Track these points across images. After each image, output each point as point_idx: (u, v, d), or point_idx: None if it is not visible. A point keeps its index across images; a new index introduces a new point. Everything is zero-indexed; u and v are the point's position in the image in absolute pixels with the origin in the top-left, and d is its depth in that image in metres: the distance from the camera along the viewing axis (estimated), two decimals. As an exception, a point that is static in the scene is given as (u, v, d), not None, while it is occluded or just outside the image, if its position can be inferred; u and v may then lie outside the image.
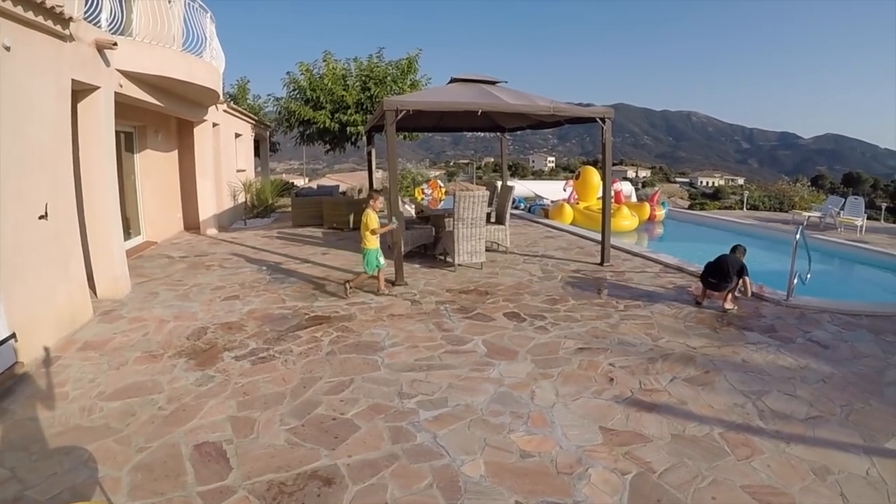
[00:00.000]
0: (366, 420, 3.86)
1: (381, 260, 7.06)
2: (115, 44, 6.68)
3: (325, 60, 15.72)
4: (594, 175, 15.13)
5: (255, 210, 14.98)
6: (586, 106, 9.97)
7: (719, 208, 20.76)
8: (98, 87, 6.58)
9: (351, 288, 7.10)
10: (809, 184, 22.17)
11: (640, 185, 38.17)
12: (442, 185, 15.03)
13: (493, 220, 9.87)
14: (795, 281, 6.70)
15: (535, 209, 15.94)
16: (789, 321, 6.14)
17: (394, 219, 7.24)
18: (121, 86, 7.41)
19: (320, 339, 5.44)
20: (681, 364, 4.95)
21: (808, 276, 6.97)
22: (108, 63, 6.83)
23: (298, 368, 4.74)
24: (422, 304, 6.73)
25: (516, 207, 16.67)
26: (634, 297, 7.08)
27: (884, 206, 16.85)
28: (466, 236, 8.29)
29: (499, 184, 11.05)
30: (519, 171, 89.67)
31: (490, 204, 10.55)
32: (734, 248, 6.64)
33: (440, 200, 10.44)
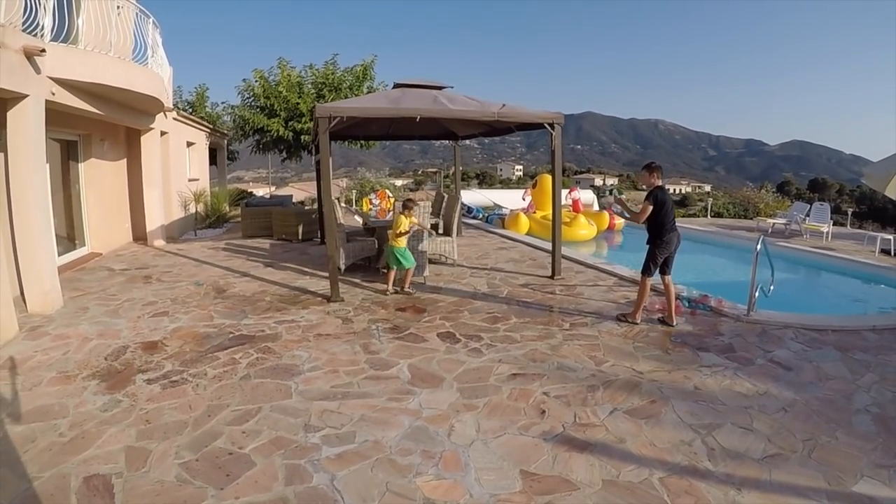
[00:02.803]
0: (264, 456, 3.59)
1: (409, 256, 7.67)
2: (44, 50, 6.44)
3: (280, 67, 15.87)
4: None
5: (208, 220, 15.00)
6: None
7: (683, 216, 20.84)
8: (27, 95, 6.44)
9: (407, 287, 7.66)
10: (775, 190, 22.47)
11: (607, 192, 38.41)
12: (391, 195, 14.53)
13: (440, 231, 9.57)
14: (757, 294, 6.41)
15: (493, 219, 15.65)
16: (749, 339, 5.82)
17: (411, 220, 7.61)
18: (53, 94, 7.22)
19: (238, 362, 5.20)
20: (624, 392, 4.53)
21: (772, 287, 6.71)
22: (38, 70, 6.66)
23: (208, 394, 4.51)
24: (353, 322, 6.42)
25: (474, 217, 16.41)
26: (583, 313, 6.70)
27: (850, 211, 17.10)
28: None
29: (446, 194, 10.62)
30: (487, 180, 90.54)
31: (438, 214, 10.16)
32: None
33: (389, 211, 10.06)
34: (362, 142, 16.49)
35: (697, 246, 12.47)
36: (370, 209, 10.64)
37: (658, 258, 6.09)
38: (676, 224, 6.13)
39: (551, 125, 8.10)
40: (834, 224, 14.21)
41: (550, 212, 14.59)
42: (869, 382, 4.87)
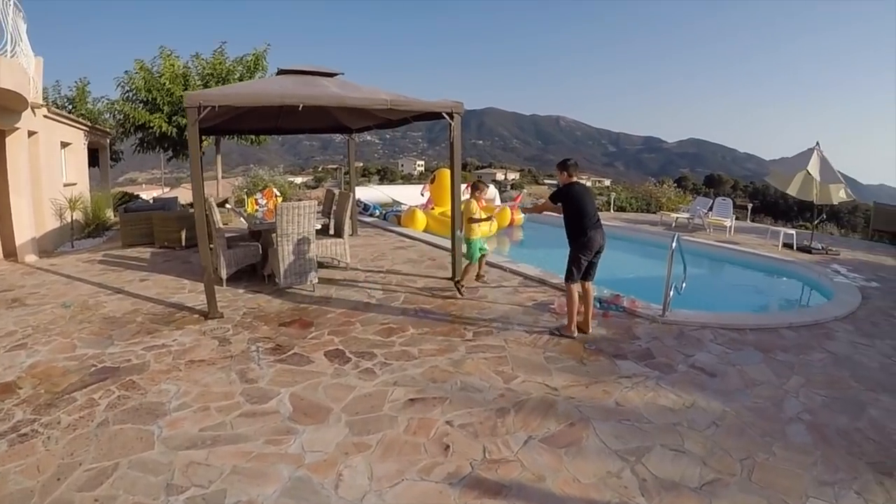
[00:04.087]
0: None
1: (486, 245, 7.72)
2: None
3: (162, 57, 15.31)
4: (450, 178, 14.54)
5: (87, 229, 13.71)
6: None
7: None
8: None
9: (464, 287, 7.48)
10: (675, 185, 23.42)
11: (508, 187, 38.86)
12: (278, 193, 13.45)
13: (331, 231, 8.91)
14: (672, 293, 6.19)
15: (390, 216, 14.99)
16: (667, 342, 5.57)
17: (469, 209, 7.45)
18: None
19: (97, 403, 4.42)
20: (539, 415, 4.06)
21: (684, 284, 6.54)
22: None
23: (60, 450, 3.78)
24: (231, 343, 5.65)
25: (371, 214, 15.69)
26: (487, 319, 6.23)
27: (750, 206, 17.99)
28: (292, 254, 7.27)
29: (336, 191, 9.83)
30: (388, 175, 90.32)
31: (329, 214, 9.43)
32: None
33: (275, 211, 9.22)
34: (253, 137, 16.29)
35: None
36: (256, 210, 9.66)
37: (581, 261, 5.67)
38: (599, 221, 5.76)
39: (450, 115, 7.59)
40: (735, 219, 14.77)
41: (448, 207, 14.26)
42: (796, 386, 4.73)
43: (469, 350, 5.30)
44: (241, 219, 10.90)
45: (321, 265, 8.63)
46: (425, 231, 13.20)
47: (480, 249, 7.53)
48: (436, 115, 7.99)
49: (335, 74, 8.25)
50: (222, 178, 18.08)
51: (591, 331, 5.80)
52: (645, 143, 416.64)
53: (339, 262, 8.73)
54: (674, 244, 6.01)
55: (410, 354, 5.22)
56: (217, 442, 3.78)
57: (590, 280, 5.84)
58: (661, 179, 23.21)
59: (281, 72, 8.44)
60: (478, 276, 7.85)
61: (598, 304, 6.63)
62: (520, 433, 3.81)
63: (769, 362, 5.20)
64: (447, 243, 10.53)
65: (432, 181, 15.11)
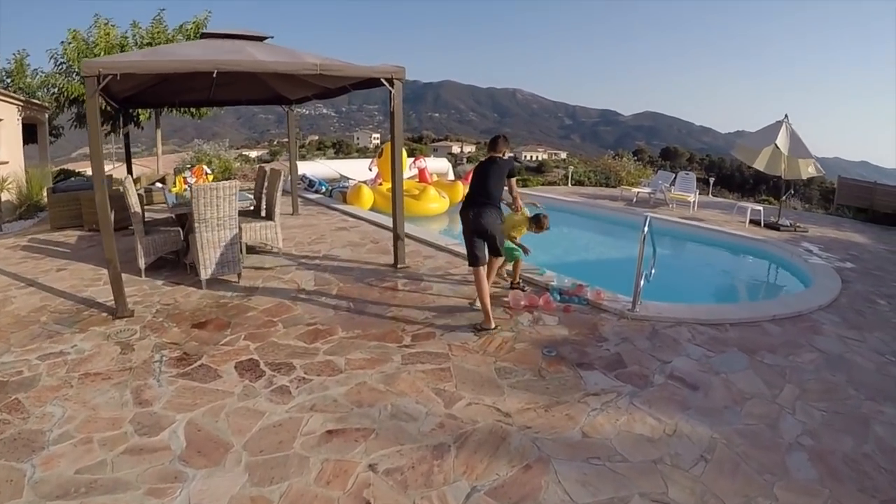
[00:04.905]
0: None
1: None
2: None
3: (97, 26, 14.63)
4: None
5: (19, 210, 12.95)
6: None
7: (543, 184, 20.39)
8: None
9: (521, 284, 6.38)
10: (635, 158, 22.84)
11: (464, 160, 37.92)
12: (209, 171, 12.22)
13: (263, 214, 7.98)
14: (642, 283, 5.43)
15: (335, 192, 13.89)
16: (640, 344, 4.81)
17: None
18: None
19: None
20: (486, 453, 3.21)
21: (653, 271, 5.79)
22: None
23: None
24: (135, 350, 4.72)
25: (317, 191, 14.53)
26: (431, 317, 5.37)
27: (711, 179, 17.55)
28: (213, 242, 6.31)
29: (268, 168, 8.72)
30: (343, 149, 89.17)
31: (260, 194, 8.44)
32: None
33: None
34: (193, 110, 15.93)
35: (563, 218, 11.69)
36: (185, 189, 8.55)
37: (467, 240, 5.33)
38: (484, 200, 5.25)
39: (389, 81, 6.63)
40: (698, 193, 14.23)
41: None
42: (790, 398, 4.05)
43: (405, 360, 4.41)
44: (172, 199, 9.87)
45: (252, 251, 7.67)
46: (372, 209, 12.19)
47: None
48: (375, 83, 7.06)
49: (263, 38, 7.25)
50: (170, 153, 16.95)
51: (494, 327, 5.11)
52: (601, 115, 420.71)
53: (271, 247, 7.76)
54: (646, 228, 5.23)
55: (335, 367, 4.31)
56: (92, 490, 2.99)
57: (494, 256, 5.51)
58: (619, 153, 22.51)
59: (203, 36, 7.54)
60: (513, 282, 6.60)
61: (557, 296, 5.84)
62: (461, 482, 2.96)
63: (757, 367, 4.50)
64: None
65: (380, 155, 14.06)
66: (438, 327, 5.10)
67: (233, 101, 12.11)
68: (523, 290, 6.16)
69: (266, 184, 8.19)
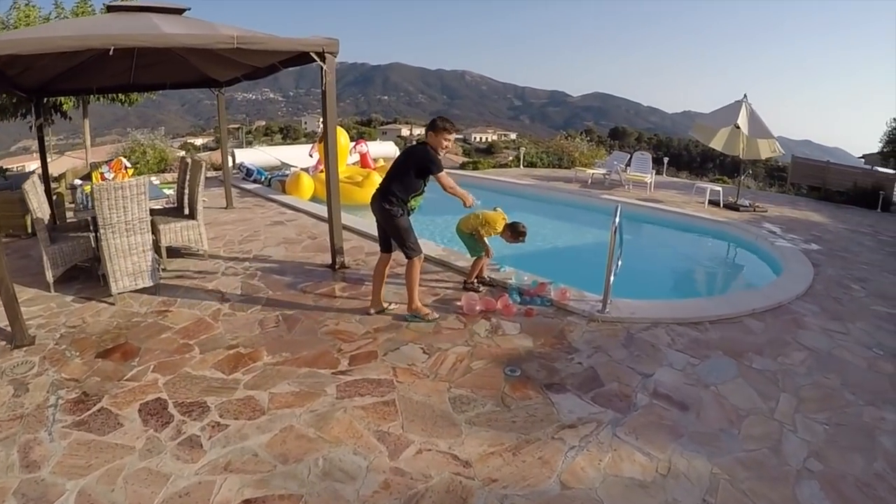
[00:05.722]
0: None
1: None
2: None
3: (15, 8, 13.45)
4: (341, 135, 12.56)
5: None
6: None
7: (493, 166, 19.71)
8: None
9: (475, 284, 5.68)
10: (588, 138, 22.37)
11: (413, 142, 37.14)
12: (128, 165, 11.01)
13: (187, 212, 6.98)
14: (612, 278, 4.83)
15: (273, 182, 12.86)
16: (615, 354, 4.20)
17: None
18: None
19: None
20: (443, 523, 2.53)
21: (620, 262, 5.21)
22: None
23: None
24: (30, 388, 3.81)
25: (255, 181, 13.43)
26: (372, 330, 4.63)
27: (665, 160, 17.22)
28: (123, 249, 5.33)
29: (190, 160, 7.70)
30: (291, 134, 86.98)
31: (182, 189, 7.51)
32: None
33: None
34: (122, 97, 14.69)
35: (517, 204, 11.06)
36: None
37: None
38: (380, 188, 4.82)
39: (320, 56, 5.79)
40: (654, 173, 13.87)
41: (340, 169, 12.43)
42: (789, 412, 3.56)
43: (341, 392, 3.65)
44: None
45: (176, 254, 6.79)
46: (313, 198, 11.31)
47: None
48: (305, 58, 6.20)
49: (181, 11, 6.29)
50: (112, 144, 15.49)
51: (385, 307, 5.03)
52: (550, 97, 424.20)
53: (196, 249, 6.85)
54: (617, 219, 4.61)
55: (257, 406, 3.52)
56: None
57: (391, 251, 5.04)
58: (569, 133, 22.03)
59: (110, 9, 6.57)
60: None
61: (517, 298, 5.19)
62: (410, 568, 2.29)
63: (747, 374, 3.97)
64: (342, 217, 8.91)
65: (320, 139, 13.11)
66: (381, 344, 4.36)
67: (158, 86, 10.94)
68: (478, 292, 5.49)
69: (187, 178, 7.26)
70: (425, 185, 4.75)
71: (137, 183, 5.32)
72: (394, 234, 4.72)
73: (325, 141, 6.21)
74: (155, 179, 10.74)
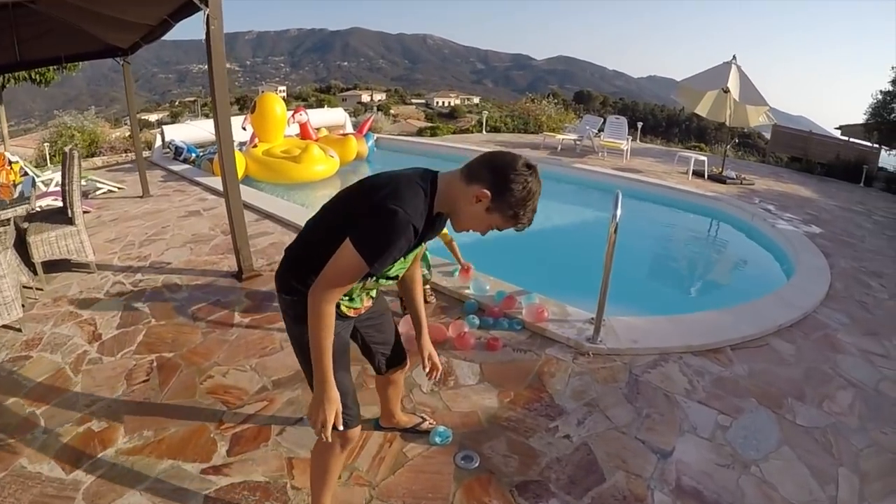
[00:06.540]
0: None
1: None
2: None
3: None
4: (276, 104, 10.87)
5: None
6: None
7: (455, 132, 18.23)
8: None
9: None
10: (554, 101, 20.97)
11: (375, 109, 35.20)
12: (14, 159, 9.15)
13: (71, 215, 5.37)
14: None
15: (201, 161, 11.14)
16: (617, 415, 2.96)
17: None
18: None
19: None
20: None
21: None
22: None
23: None
24: None
25: (186, 160, 11.66)
26: (269, 384, 3.29)
27: (640, 124, 15.94)
28: None
29: (72, 152, 5.93)
30: (248, 105, 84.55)
31: (65, 188, 5.90)
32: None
33: (13, 185, 5.78)
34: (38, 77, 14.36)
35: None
36: None
37: None
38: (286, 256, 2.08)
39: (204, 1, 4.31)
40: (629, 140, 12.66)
41: (278, 143, 10.85)
42: (852, 500, 2.46)
43: None
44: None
45: (60, 266, 5.33)
46: (246, 178, 9.73)
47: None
48: (193, 7, 4.68)
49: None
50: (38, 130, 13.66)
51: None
52: (513, 60, 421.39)
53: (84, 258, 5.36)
54: (618, 211, 3.30)
55: None
56: None
57: None
58: (533, 97, 20.61)
59: None
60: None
61: (475, 322, 3.89)
62: None
63: (793, 438, 2.85)
64: (262, 203, 7.47)
65: (252, 110, 11.34)
66: (278, 409, 3.02)
67: (51, 60, 9.20)
68: (427, 303, 4.18)
69: (68, 173, 5.67)
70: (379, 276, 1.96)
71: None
72: (302, 364, 2.05)
73: (214, 112, 4.72)
74: (48, 174, 9.01)
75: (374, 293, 2.13)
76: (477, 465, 2.56)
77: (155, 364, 3.55)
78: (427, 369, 2.32)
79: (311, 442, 2.68)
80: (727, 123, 10.49)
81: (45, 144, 13.88)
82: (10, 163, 7.48)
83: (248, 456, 2.66)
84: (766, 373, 3.43)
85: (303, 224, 2.01)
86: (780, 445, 2.77)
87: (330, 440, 1.80)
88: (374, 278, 1.91)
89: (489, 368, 3.37)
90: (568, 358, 3.48)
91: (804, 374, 3.48)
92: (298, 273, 1.87)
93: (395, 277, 2.00)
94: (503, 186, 1.68)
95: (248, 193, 7.63)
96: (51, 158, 12.68)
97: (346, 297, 1.95)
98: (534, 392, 3.12)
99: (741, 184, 9.78)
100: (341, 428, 1.80)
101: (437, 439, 2.70)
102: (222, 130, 4.59)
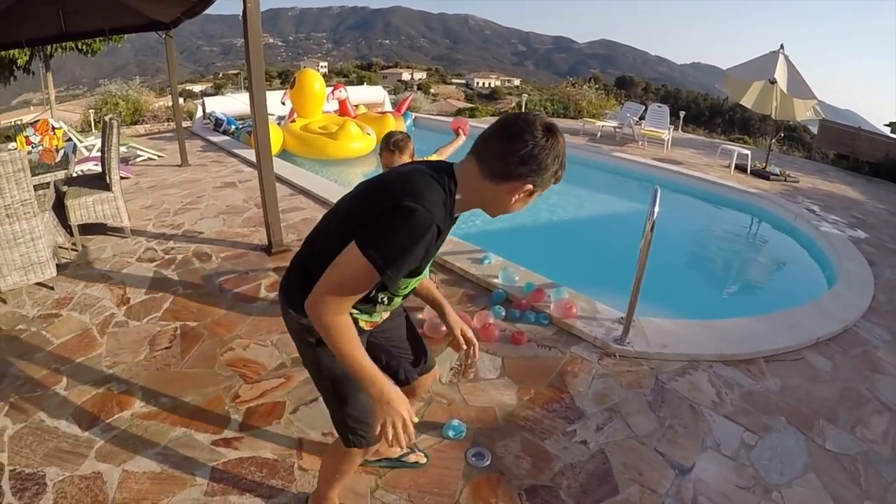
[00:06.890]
0: None
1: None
2: None
3: None
4: (315, 80, 10.87)
5: None
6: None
7: (493, 114, 18.02)
8: None
9: None
10: (595, 86, 20.50)
11: (415, 87, 35.04)
12: (57, 125, 9.33)
13: (109, 181, 5.48)
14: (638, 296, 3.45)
15: (239, 134, 11.23)
16: (638, 423, 2.85)
17: None
18: None
19: None
20: None
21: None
22: None
23: None
24: None
25: (226, 132, 11.76)
26: (288, 361, 3.28)
27: (682, 113, 15.44)
28: (7, 240, 4.00)
29: (111, 121, 5.97)
30: (290, 79, 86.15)
31: (104, 154, 5.98)
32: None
33: (55, 150, 6.14)
34: (85, 47, 14.30)
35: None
36: (29, 152, 6.00)
37: None
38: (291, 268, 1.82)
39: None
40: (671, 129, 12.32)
41: (316, 119, 10.85)
42: None
43: (215, 481, 2.34)
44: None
45: (98, 229, 5.48)
46: (283, 152, 9.74)
47: None
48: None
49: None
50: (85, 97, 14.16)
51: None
52: (555, 42, 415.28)
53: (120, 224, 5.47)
54: (656, 208, 3.16)
55: (99, 494, 2.30)
56: None
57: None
58: (574, 81, 20.20)
59: None
60: None
61: (501, 313, 3.80)
62: None
63: (820, 465, 2.68)
64: (297, 177, 7.45)
65: (292, 85, 11.34)
66: (295, 388, 3.02)
67: (96, 32, 9.39)
68: None
69: (107, 141, 5.75)
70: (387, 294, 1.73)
71: (12, 159, 3.83)
72: (321, 390, 1.88)
73: (249, 86, 4.70)
74: (91, 139, 9.18)
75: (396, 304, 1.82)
76: (488, 463, 2.49)
77: (178, 332, 3.59)
78: (465, 348, 2.00)
79: (323, 424, 2.66)
80: (773, 116, 10.10)
81: (91, 111, 14.21)
82: (54, 129, 7.61)
83: (259, 432, 2.67)
84: (799, 389, 3.28)
85: (328, 199, 1.94)
86: (806, 471, 2.63)
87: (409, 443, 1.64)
88: (387, 300, 1.69)
89: (511, 363, 3.29)
90: (593, 358, 3.38)
91: (839, 393, 3.31)
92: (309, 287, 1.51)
93: (407, 295, 1.79)
94: (542, 170, 1.47)
95: (283, 168, 7.64)
96: (95, 125, 12.92)
97: (366, 314, 1.73)
98: (555, 392, 3.04)
99: (785, 181, 9.43)
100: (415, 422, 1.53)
101: (451, 433, 2.64)
102: (257, 105, 4.59)
